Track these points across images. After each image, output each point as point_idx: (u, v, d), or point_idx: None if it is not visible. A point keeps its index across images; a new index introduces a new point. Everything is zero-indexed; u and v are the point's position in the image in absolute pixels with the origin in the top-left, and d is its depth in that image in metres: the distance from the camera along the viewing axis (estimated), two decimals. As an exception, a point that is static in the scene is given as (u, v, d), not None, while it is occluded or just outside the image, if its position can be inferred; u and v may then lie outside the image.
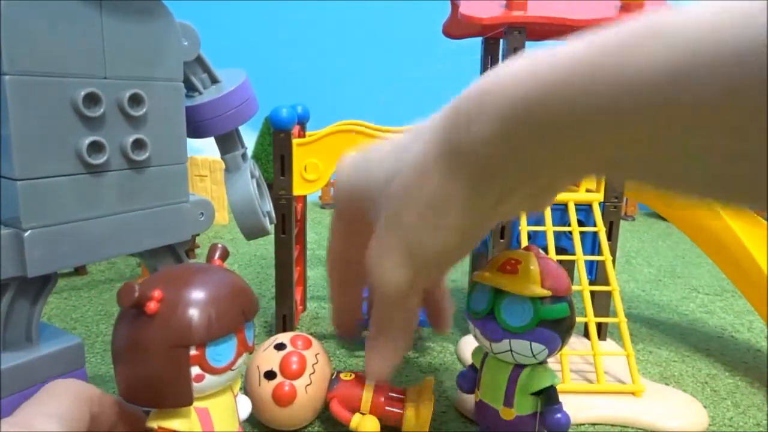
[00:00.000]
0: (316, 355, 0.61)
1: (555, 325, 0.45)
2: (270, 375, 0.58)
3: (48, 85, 0.40)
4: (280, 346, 0.61)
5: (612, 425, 0.65)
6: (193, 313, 0.38)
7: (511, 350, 0.46)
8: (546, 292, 0.44)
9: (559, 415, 0.48)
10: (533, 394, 0.49)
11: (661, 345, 0.89)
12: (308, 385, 0.59)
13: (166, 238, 0.50)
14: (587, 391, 0.68)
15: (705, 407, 0.69)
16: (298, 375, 0.59)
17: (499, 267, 0.46)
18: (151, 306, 0.36)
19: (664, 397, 0.69)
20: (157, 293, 0.37)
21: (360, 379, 0.62)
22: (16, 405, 0.34)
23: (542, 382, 0.48)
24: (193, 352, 0.38)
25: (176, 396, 0.38)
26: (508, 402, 0.49)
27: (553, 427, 0.48)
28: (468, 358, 0.69)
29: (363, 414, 0.60)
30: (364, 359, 0.75)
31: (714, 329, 0.97)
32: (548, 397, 0.48)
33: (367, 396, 0.60)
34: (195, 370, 0.38)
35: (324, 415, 0.64)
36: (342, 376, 0.62)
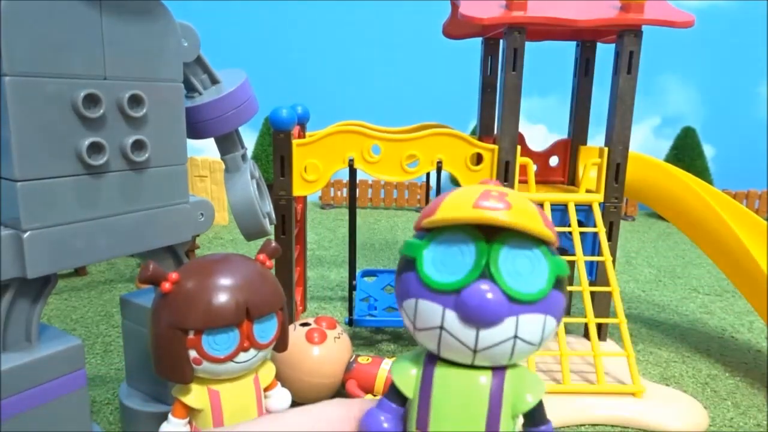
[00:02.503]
0: (339, 332, 0.69)
1: (563, 287, 0.29)
2: (304, 324, 0.68)
3: (48, 86, 0.40)
4: (305, 324, 0.69)
5: (612, 426, 0.65)
6: (192, 300, 0.40)
7: (516, 337, 0.27)
8: (553, 236, 0.28)
9: None
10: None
11: (662, 345, 0.89)
12: (337, 337, 0.67)
13: (166, 238, 0.50)
14: (587, 391, 0.68)
15: (705, 408, 0.69)
16: (331, 326, 0.68)
17: (478, 200, 0.27)
18: (165, 286, 0.41)
19: (665, 397, 0.69)
20: (174, 275, 0.41)
21: (376, 362, 0.66)
22: (17, 406, 0.35)
23: (537, 392, 0.30)
24: (190, 336, 0.41)
25: (175, 372, 0.42)
26: (492, 426, 0.29)
27: None
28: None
29: (375, 396, 0.64)
30: (378, 350, 0.76)
31: (714, 330, 0.97)
32: (537, 414, 0.30)
33: (381, 378, 0.64)
34: (192, 353, 0.41)
35: (340, 396, 0.67)
36: (360, 359, 0.67)
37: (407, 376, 0.30)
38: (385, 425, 0.29)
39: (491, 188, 0.28)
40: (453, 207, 0.27)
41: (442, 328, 0.28)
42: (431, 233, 0.28)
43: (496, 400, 0.29)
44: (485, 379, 0.28)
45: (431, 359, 0.29)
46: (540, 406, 0.30)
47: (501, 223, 0.26)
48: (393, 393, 0.30)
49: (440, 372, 0.29)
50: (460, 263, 0.27)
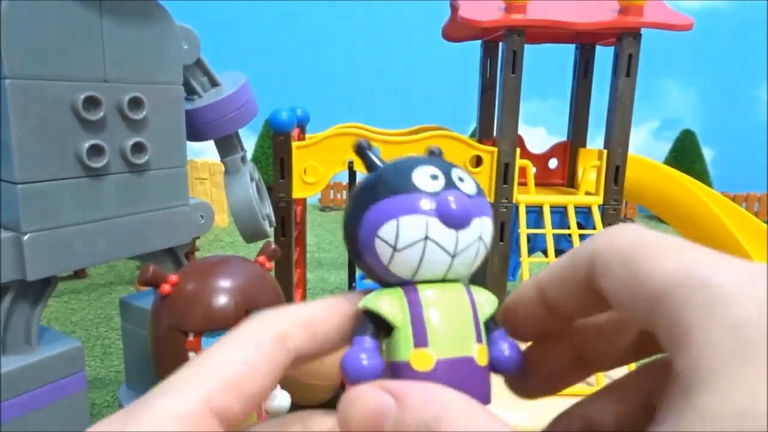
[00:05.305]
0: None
1: None
2: None
3: (48, 89, 0.40)
4: None
5: (612, 428, 0.65)
6: (192, 302, 0.41)
7: (481, 238, 0.31)
8: None
9: (507, 344, 0.33)
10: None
11: (661, 348, 0.89)
12: None
13: (166, 241, 0.50)
14: (587, 393, 0.68)
15: (705, 410, 0.69)
16: None
17: None
18: (165, 288, 0.41)
19: (664, 399, 0.69)
20: (173, 277, 0.41)
21: None
22: (17, 408, 0.35)
23: (492, 301, 0.30)
24: (190, 337, 0.41)
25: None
26: (479, 337, 0.34)
27: (503, 359, 0.31)
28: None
29: None
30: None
31: (714, 332, 0.97)
32: (491, 322, 0.31)
33: None
34: (192, 355, 0.41)
35: (338, 398, 0.67)
36: None
37: (393, 306, 0.27)
38: (366, 362, 0.27)
39: None
40: None
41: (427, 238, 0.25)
42: None
43: (473, 306, 0.26)
44: (462, 287, 0.26)
45: (408, 284, 0.27)
46: (494, 313, 0.27)
47: None
48: (367, 328, 0.27)
49: (425, 291, 0.27)
50: None
